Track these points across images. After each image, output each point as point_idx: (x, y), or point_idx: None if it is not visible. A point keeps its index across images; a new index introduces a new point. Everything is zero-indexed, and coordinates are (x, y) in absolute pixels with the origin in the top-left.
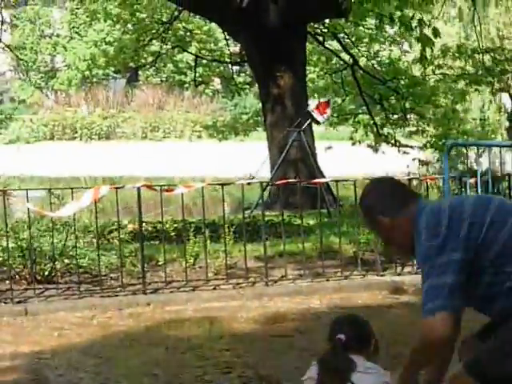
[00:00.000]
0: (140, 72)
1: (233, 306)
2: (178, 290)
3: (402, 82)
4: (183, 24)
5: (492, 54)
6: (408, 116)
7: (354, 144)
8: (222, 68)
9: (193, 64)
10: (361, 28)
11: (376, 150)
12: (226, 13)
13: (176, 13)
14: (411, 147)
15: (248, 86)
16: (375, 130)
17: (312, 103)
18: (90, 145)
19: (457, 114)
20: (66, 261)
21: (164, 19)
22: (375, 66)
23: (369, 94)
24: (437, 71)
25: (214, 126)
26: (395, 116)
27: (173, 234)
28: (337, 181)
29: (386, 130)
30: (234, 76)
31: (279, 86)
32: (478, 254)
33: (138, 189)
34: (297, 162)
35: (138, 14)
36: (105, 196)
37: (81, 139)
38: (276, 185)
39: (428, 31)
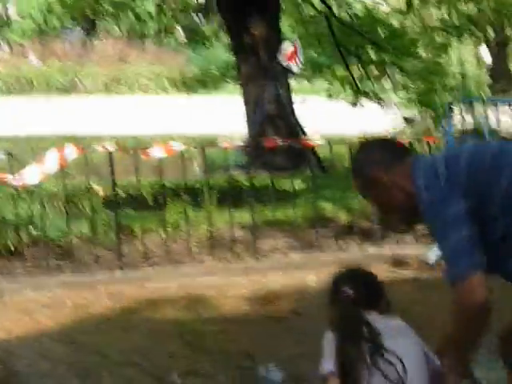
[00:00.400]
0: (98, 22)
1: (220, 283)
2: (157, 264)
3: (381, 33)
4: None
5: (476, 4)
6: (388, 70)
7: (330, 97)
8: (186, 17)
9: (154, 13)
10: None
11: (354, 105)
12: None
13: None
14: (393, 104)
15: (215, 37)
16: (353, 84)
17: (283, 50)
18: (49, 100)
19: (439, 67)
20: (32, 231)
21: None
22: (350, 15)
23: (345, 46)
24: (416, 21)
25: (181, 80)
26: (374, 71)
27: (149, 199)
28: (329, 142)
29: (364, 85)
30: (200, 26)
31: (252, 35)
32: (482, 200)
33: (110, 153)
34: (275, 118)
35: None
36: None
37: (39, 94)
38: (264, 147)
39: None
